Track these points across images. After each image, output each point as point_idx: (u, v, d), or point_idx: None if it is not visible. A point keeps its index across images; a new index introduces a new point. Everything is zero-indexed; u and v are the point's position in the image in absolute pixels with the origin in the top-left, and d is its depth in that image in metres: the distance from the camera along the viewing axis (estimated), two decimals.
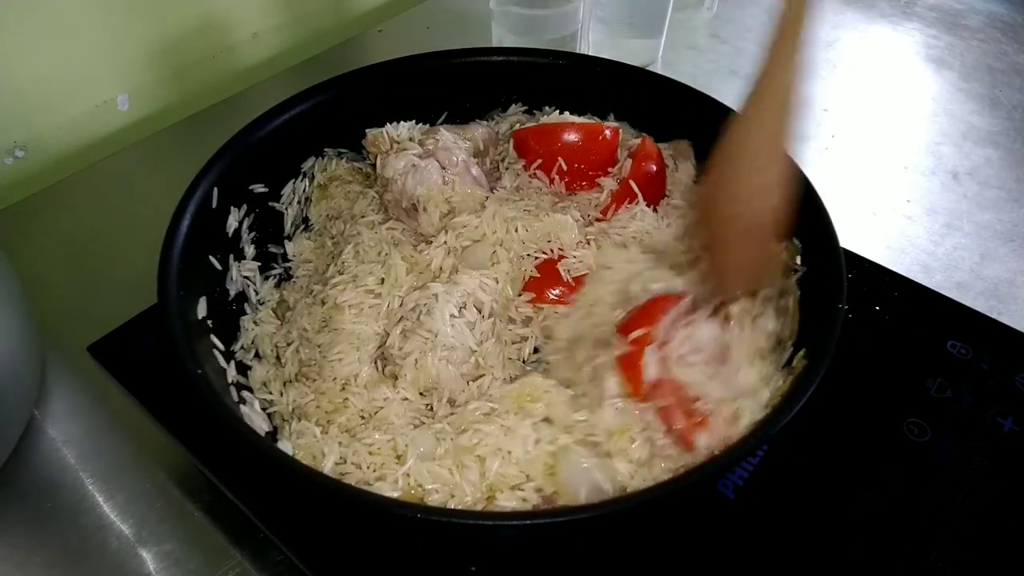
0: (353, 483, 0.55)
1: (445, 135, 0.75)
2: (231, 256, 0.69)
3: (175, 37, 0.99)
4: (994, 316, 0.72)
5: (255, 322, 0.68)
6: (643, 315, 0.62)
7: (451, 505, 0.55)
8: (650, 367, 0.58)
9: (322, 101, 0.75)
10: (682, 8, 1.19)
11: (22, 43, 0.86)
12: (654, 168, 0.74)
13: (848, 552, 0.56)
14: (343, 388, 0.62)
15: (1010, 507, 0.59)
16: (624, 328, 0.62)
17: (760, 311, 0.64)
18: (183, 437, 0.60)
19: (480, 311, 0.65)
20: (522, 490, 0.56)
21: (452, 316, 0.63)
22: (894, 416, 0.64)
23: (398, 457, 0.57)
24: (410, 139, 0.75)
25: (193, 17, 1.00)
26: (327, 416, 0.60)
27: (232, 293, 0.68)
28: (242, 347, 0.66)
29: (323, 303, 0.67)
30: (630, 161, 0.74)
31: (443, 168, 0.73)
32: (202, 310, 0.63)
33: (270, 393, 0.63)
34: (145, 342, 0.66)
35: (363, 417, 0.61)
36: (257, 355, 0.66)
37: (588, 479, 0.55)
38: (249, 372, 0.64)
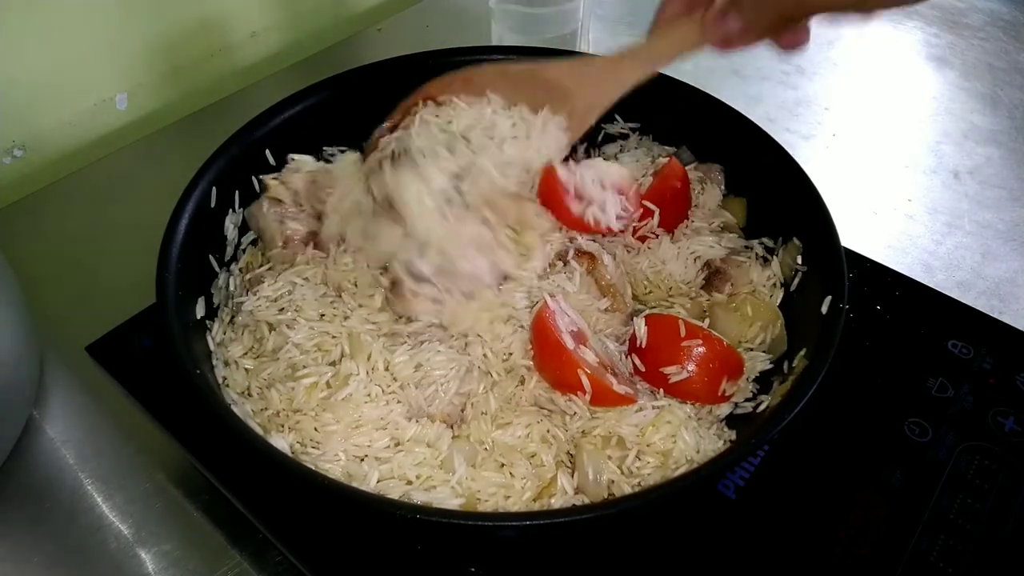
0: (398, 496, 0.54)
1: None
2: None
3: (173, 36, 0.99)
4: (995, 315, 0.72)
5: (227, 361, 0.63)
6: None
7: (508, 505, 0.55)
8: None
9: (321, 100, 0.75)
10: None
11: (20, 42, 0.86)
12: (678, 186, 0.71)
13: (849, 552, 0.56)
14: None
15: (1010, 507, 0.59)
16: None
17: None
18: (182, 437, 0.60)
19: None
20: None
21: None
22: (895, 416, 0.64)
23: (442, 465, 0.56)
24: None
25: (191, 16, 1.00)
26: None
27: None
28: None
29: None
30: (650, 179, 0.72)
31: None
32: (200, 310, 0.63)
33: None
34: (144, 342, 0.66)
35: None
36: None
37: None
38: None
